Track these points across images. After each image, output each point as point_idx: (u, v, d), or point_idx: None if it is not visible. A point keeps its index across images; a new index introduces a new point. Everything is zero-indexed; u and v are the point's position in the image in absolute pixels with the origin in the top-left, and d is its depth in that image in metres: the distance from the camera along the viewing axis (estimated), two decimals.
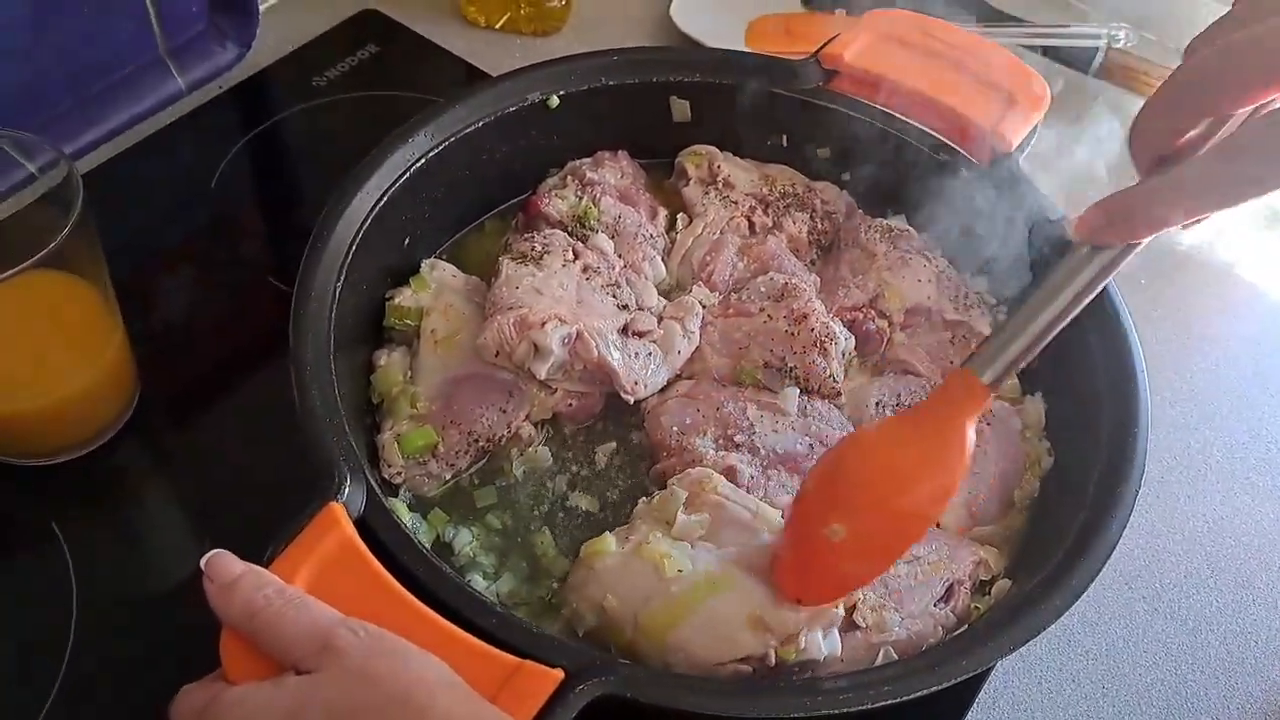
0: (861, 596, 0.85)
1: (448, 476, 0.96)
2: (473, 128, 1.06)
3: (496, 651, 0.68)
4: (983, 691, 0.95)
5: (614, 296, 1.02)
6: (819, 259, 1.14)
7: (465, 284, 1.04)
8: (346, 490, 0.76)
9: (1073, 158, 1.01)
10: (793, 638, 0.80)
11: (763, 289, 1.05)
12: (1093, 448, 0.91)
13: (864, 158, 1.14)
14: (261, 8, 1.33)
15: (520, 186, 1.15)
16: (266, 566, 0.69)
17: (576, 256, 1.03)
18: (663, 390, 1.01)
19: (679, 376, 1.02)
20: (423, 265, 1.05)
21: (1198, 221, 0.70)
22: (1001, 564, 0.93)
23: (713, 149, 1.17)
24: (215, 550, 0.69)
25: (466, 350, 0.98)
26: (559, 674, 0.68)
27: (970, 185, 1.07)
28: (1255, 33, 0.63)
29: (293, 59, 1.41)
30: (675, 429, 0.98)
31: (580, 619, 0.86)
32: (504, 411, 0.97)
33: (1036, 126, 1.08)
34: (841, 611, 0.83)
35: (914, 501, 0.78)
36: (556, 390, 0.98)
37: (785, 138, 1.17)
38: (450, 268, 1.05)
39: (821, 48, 1.13)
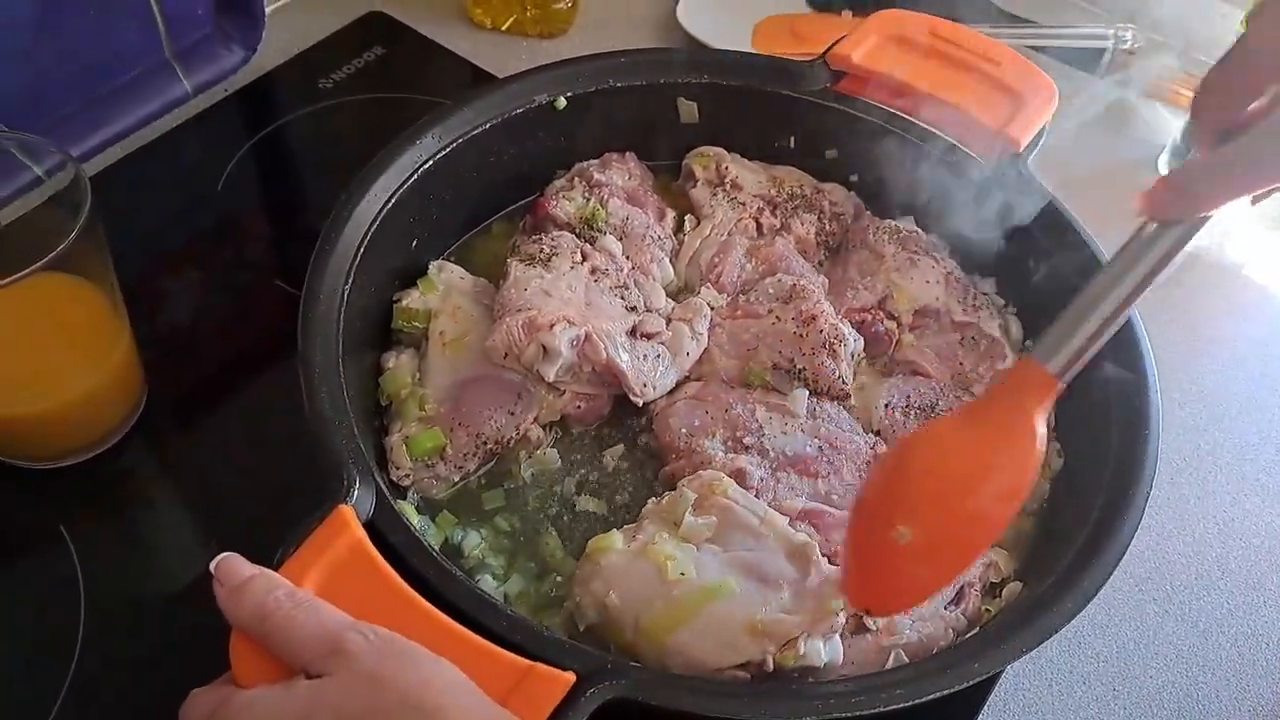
0: None
1: (456, 479, 0.96)
2: (480, 130, 1.06)
3: (507, 654, 0.68)
4: (993, 694, 0.94)
5: (622, 298, 1.02)
6: (827, 260, 1.14)
7: (473, 286, 1.04)
8: (356, 493, 0.76)
9: (1081, 158, 1.01)
10: (792, 644, 0.80)
11: (771, 290, 1.05)
12: (1103, 449, 0.91)
13: (872, 159, 1.14)
14: (267, 10, 1.33)
15: (528, 188, 1.15)
16: (276, 569, 0.69)
17: (584, 258, 1.03)
18: (671, 392, 1.01)
19: (687, 378, 1.02)
20: (430, 267, 1.05)
21: (1268, 194, 0.68)
22: (1011, 566, 0.93)
23: (720, 150, 1.17)
24: (225, 553, 0.69)
25: (475, 352, 0.98)
26: (570, 677, 0.68)
27: (978, 186, 1.07)
28: None
29: (299, 61, 1.41)
30: (684, 431, 0.97)
31: (582, 614, 0.86)
32: (512, 414, 0.97)
33: (1044, 127, 1.08)
34: (842, 620, 0.82)
35: (984, 500, 0.74)
36: (565, 392, 0.98)
37: (793, 139, 1.17)
38: (458, 270, 1.05)
39: (829, 49, 1.13)
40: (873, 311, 1.06)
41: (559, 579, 0.92)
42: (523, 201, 1.15)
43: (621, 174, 1.13)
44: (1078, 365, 0.73)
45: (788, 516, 0.91)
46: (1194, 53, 1.42)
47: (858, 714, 0.73)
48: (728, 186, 1.14)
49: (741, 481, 0.92)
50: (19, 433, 0.97)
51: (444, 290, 1.03)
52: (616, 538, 0.88)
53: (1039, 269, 1.05)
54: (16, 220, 0.95)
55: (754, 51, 1.42)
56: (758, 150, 1.18)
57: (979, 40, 1.12)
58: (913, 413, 1.00)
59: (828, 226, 1.13)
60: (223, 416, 1.07)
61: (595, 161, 1.15)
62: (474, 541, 0.93)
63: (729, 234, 1.11)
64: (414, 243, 1.05)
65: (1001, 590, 0.91)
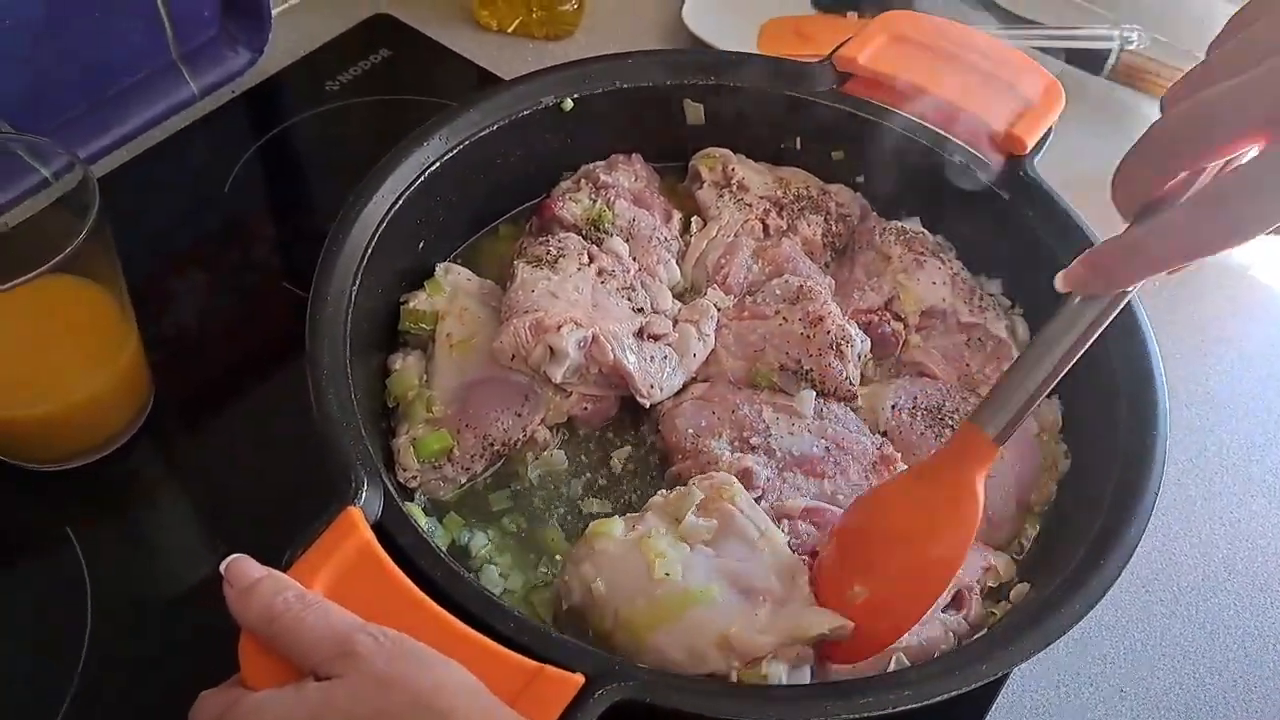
0: None
1: (463, 480, 0.96)
2: (486, 131, 1.06)
3: (516, 656, 0.68)
4: (1001, 695, 0.94)
5: (629, 300, 1.02)
6: (833, 262, 1.14)
7: (480, 288, 1.04)
8: (364, 494, 0.76)
9: (1087, 160, 1.01)
10: (756, 663, 0.80)
11: (778, 291, 1.05)
12: (1110, 450, 0.91)
13: (878, 160, 1.14)
14: (274, 12, 1.33)
15: (534, 190, 1.15)
16: (285, 571, 0.69)
17: (591, 260, 1.03)
18: (678, 393, 1.01)
19: (694, 379, 1.02)
20: (437, 269, 1.05)
21: (1182, 268, 0.71)
22: (1012, 570, 0.92)
23: (726, 152, 1.17)
24: (235, 555, 0.69)
25: (482, 354, 0.98)
26: (579, 679, 0.68)
27: (985, 187, 1.07)
28: (1222, 91, 0.65)
29: (305, 64, 1.41)
30: (690, 431, 0.98)
31: (569, 593, 0.86)
32: (519, 415, 0.97)
33: (1051, 129, 1.08)
34: (810, 651, 0.82)
35: (930, 559, 0.81)
36: (572, 394, 0.98)
37: (799, 140, 1.17)
38: (465, 271, 1.05)
39: (835, 50, 1.13)
40: (879, 313, 1.06)
41: (556, 558, 0.93)
42: (529, 203, 1.15)
43: (628, 175, 1.13)
44: (1015, 429, 0.79)
45: (790, 516, 0.91)
46: (1200, 53, 1.41)
47: (866, 715, 0.72)
48: (734, 188, 1.14)
49: (748, 481, 0.92)
50: (26, 434, 0.97)
51: (451, 292, 1.03)
52: (617, 524, 0.88)
53: (1045, 270, 1.05)
54: (24, 222, 0.95)
55: (760, 53, 1.42)
56: (764, 151, 1.18)
57: (985, 41, 1.12)
58: (919, 414, 1.00)
59: (834, 228, 1.13)
60: (229, 418, 1.07)
61: (601, 163, 1.15)
62: (481, 542, 0.93)
63: (735, 235, 1.11)
64: (421, 244, 1.05)
65: (1009, 591, 0.91)
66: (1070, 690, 0.97)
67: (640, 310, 1.02)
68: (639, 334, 0.99)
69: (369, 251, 0.95)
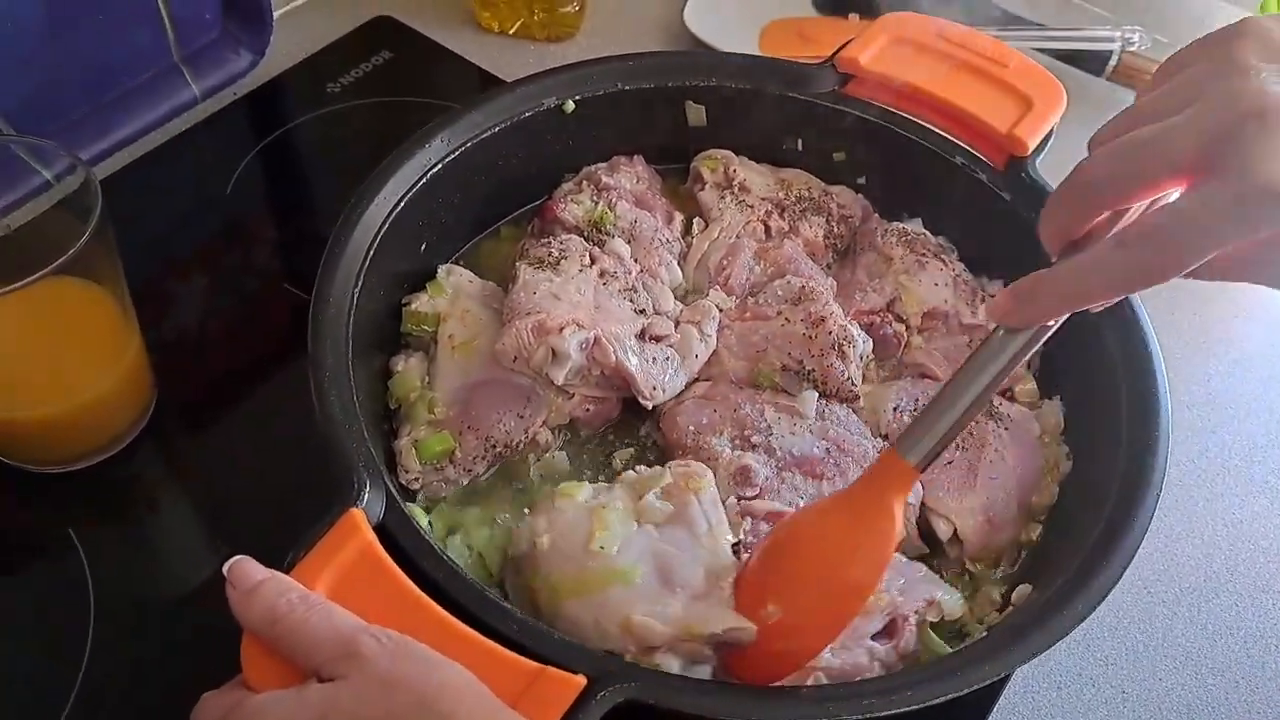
0: None
1: (464, 482, 0.96)
2: (488, 133, 1.06)
3: (518, 657, 0.68)
4: (1003, 696, 0.94)
5: (631, 301, 1.02)
6: (835, 263, 1.14)
7: (482, 289, 1.04)
8: (366, 496, 0.76)
9: None
10: (650, 652, 0.80)
11: (780, 292, 1.05)
12: (1112, 452, 0.91)
13: (880, 161, 1.14)
14: (275, 15, 1.34)
15: (536, 192, 1.15)
16: (287, 572, 0.69)
17: (593, 261, 1.03)
18: (679, 392, 1.01)
19: (696, 379, 1.02)
20: (439, 271, 1.05)
21: (1105, 305, 0.74)
22: (962, 609, 0.90)
23: (728, 153, 1.17)
24: (237, 556, 0.69)
25: (484, 355, 0.98)
26: (581, 680, 0.68)
27: (986, 189, 1.07)
28: (1144, 135, 0.66)
29: (307, 66, 1.41)
30: (691, 428, 0.98)
31: (518, 540, 0.87)
32: (521, 417, 0.97)
33: (1053, 130, 1.08)
34: (709, 652, 0.82)
35: (844, 584, 0.80)
36: (574, 395, 0.98)
37: (801, 142, 1.17)
38: (467, 273, 1.05)
39: (837, 52, 1.13)
40: (881, 314, 1.06)
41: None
42: (531, 205, 1.15)
43: (629, 177, 1.13)
44: (936, 457, 0.79)
45: (754, 516, 0.90)
46: None
47: (869, 716, 0.73)
48: (736, 189, 1.14)
49: (747, 478, 0.92)
50: (29, 436, 0.97)
51: (453, 294, 1.03)
52: (584, 489, 0.88)
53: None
54: (26, 224, 0.95)
55: (761, 54, 1.42)
56: (765, 153, 1.18)
57: (986, 43, 1.12)
58: None
59: (836, 229, 1.14)
60: (231, 420, 1.07)
61: (603, 165, 1.15)
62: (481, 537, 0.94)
63: (737, 236, 1.11)
64: (423, 246, 1.05)
65: (1012, 595, 0.91)
66: (1072, 691, 0.97)
67: (642, 312, 1.02)
68: (641, 335, 0.99)
69: (371, 253, 0.95)
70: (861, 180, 1.17)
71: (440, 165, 1.03)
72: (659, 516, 0.86)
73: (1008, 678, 0.94)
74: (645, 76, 1.13)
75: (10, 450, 1.00)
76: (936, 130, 1.10)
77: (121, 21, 1.19)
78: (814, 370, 1.00)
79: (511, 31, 1.48)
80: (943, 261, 1.09)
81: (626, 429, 1.02)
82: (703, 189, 1.15)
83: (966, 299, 1.07)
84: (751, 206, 1.13)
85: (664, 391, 0.98)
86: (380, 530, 0.75)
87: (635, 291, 1.03)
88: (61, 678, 0.89)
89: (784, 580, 0.82)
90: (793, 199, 1.14)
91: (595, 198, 1.10)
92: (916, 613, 0.87)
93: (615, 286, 1.02)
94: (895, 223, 1.14)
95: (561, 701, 0.67)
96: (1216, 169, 0.63)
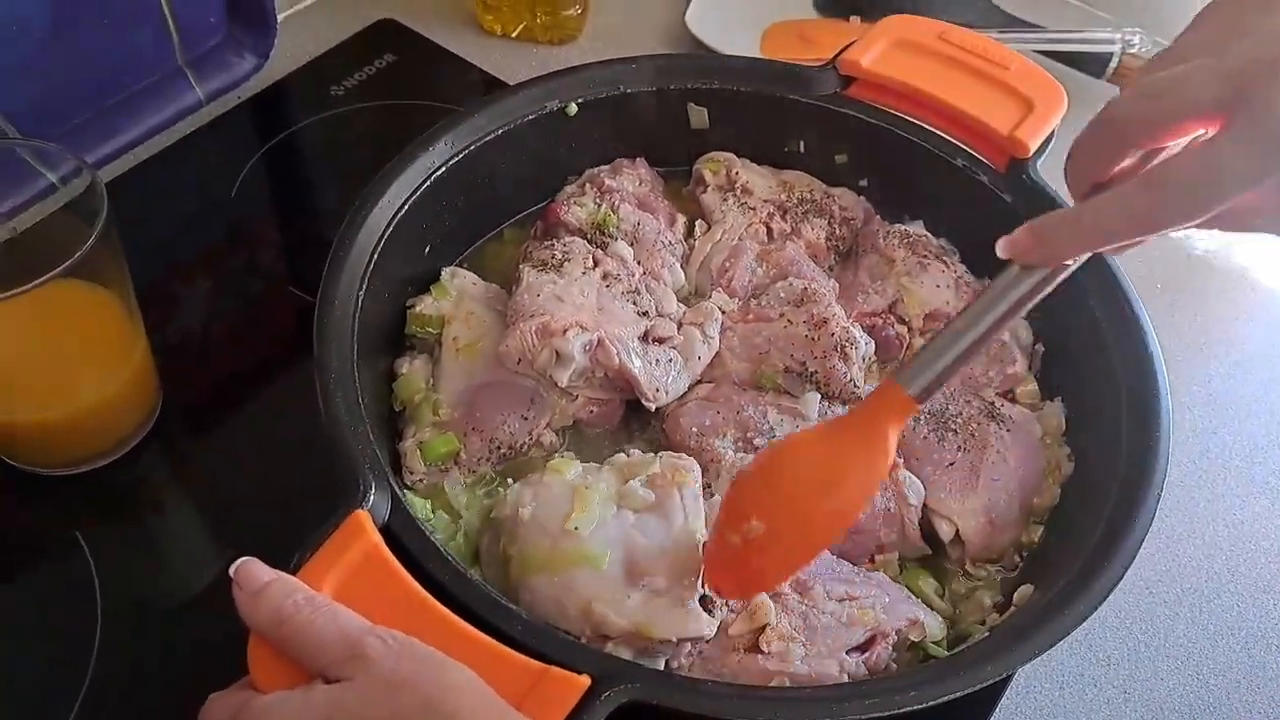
0: (774, 622, 0.84)
1: (468, 483, 0.96)
2: (492, 136, 1.07)
3: (522, 658, 0.68)
4: (1005, 697, 0.95)
5: (634, 303, 1.02)
6: (837, 265, 1.15)
7: (486, 291, 1.05)
8: (371, 498, 0.77)
9: None
10: (604, 640, 0.81)
11: (782, 294, 1.05)
12: (1113, 453, 0.91)
13: (881, 163, 1.15)
14: (279, 18, 1.34)
15: (539, 194, 1.15)
16: (293, 574, 0.69)
17: (596, 264, 1.03)
18: (683, 394, 1.01)
19: (699, 381, 1.03)
20: (443, 273, 1.05)
21: (1124, 248, 0.72)
22: (943, 631, 0.91)
23: (730, 155, 1.17)
24: (244, 558, 0.70)
25: (488, 357, 0.99)
26: (585, 680, 0.68)
27: (987, 190, 1.07)
28: (1175, 74, 0.66)
29: (310, 69, 1.42)
30: (694, 430, 0.98)
31: (502, 504, 0.89)
32: (525, 418, 0.97)
33: (1054, 132, 1.08)
34: (666, 651, 0.83)
35: (830, 505, 0.80)
36: (578, 397, 0.99)
37: (802, 144, 1.18)
38: (471, 275, 1.06)
39: (838, 54, 1.14)
40: (883, 315, 1.07)
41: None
42: (534, 207, 1.16)
43: (632, 180, 1.14)
44: (936, 390, 0.78)
45: (703, 536, 0.89)
46: None
47: (872, 716, 0.73)
48: (738, 191, 1.14)
49: None
50: (35, 438, 0.98)
51: (457, 296, 1.03)
52: (574, 466, 0.90)
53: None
54: (32, 228, 0.95)
55: (763, 57, 1.42)
56: (767, 155, 1.19)
57: (987, 45, 1.12)
58: (923, 418, 1.00)
59: (838, 231, 1.14)
60: (237, 422, 1.07)
61: (606, 167, 1.15)
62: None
63: (739, 239, 1.11)
64: (427, 249, 1.05)
65: (1011, 595, 0.92)
66: (1074, 691, 0.97)
67: (645, 314, 1.02)
68: (644, 337, 1.00)
69: (375, 256, 0.96)
70: (863, 182, 1.18)
71: (444, 168, 1.03)
72: (639, 503, 0.87)
73: (1010, 678, 0.95)
74: (647, 79, 1.13)
75: (17, 452, 1.00)
76: (938, 132, 1.11)
77: (126, 25, 1.20)
78: (816, 372, 1.00)
79: (514, 35, 1.49)
80: (944, 263, 1.09)
81: (630, 430, 1.03)
82: (705, 191, 1.16)
83: (968, 300, 1.07)
84: (754, 209, 1.13)
85: (667, 393, 0.99)
86: (385, 532, 0.75)
87: (638, 294, 1.03)
88: (68, 679, 0.89)
89: (771, 498, 0.81)
90: (795, 201, 1.14)
91: (598, 200, 1.10)
92: (898, 631, 0.88)
93: (618, 289, 1.02)
94: (897, 225, 1.14)
95: (566, 701, 0.67)
96: (1245, 110, 0.63)
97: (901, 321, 1.07)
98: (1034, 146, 1.06)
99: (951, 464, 0.98)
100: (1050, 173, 1.05)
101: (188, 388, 1.08)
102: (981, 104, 1.09)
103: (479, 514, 0.94)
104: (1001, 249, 0.74)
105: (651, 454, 0.92)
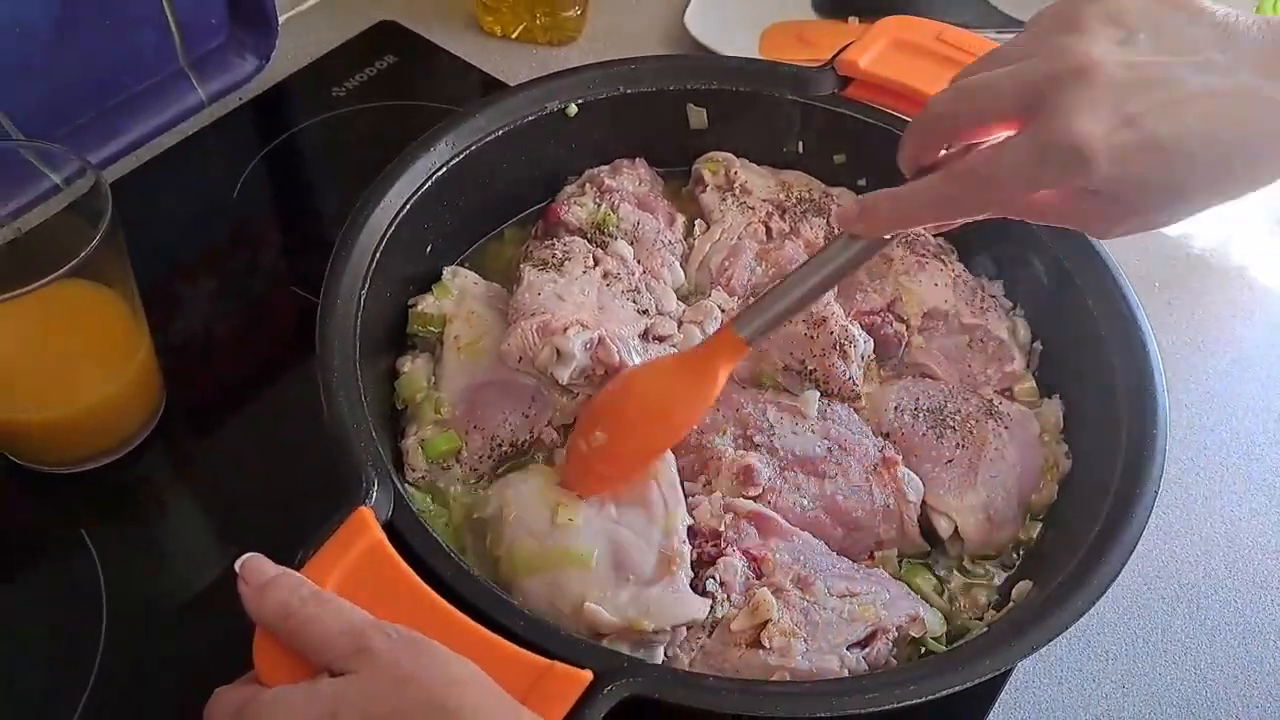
0: (776, 618, 0.85)
1: (470, 481, 0.97)
2: (492, 136, 1.07)
3: (525, 653, 0.68)
4: (1004, 692, 0.95)
5: (634, 302, 1.03)
6: None
7: (487, 291, 1.05)
8: (374, 495, 0.77)
9: None
10: (600, 637, 0.82)
11: None
12: (1111, 451, 0.92)
13: (880, 163, 1.13)
14: (280, 20, 1.35)
15: (539, 194, 1.16)
16: (298, 570, 0.70)
17: (596, 263, 1.04)
18: None
19: None
20: (445, 273, 1.06)
21: (944, 228, 0.81)
22: (942, 628, 0.91)
23: (729, 156, 1.18)
24: (249, 553, 0.70)
25: (489, 356, 0.99)
26: (588, 675, 0.68)
27: None
28: (987, 77, 0.71)
29: (312, 70, 1.42)
30: (694, 428, 0.98)
31: (486, 502, 0.92)
32: (526, 416, 0.98)
33: None
34: (660, 651, 0.84)
35: (665, 423, 0.92)
36: (578, 395, 0.99)
37: (801, 144, 1.18)
38: (472, 275, 1.06)
39: (837, 55, 1.14)
40: (882, 314, 1.07)
41: None
42: (535, 207, 1.16)
43: (632, 180, 1.14)
44: (763, 334, 0.87)
45: (734, 513, 0.92)
46: None
47: (872, 710, 0.74)
48: (737, 191, 1.15)
49: (749, 478, 0.93)
50: (40, 437, 0.99)
51: (458, 295, 1.04)
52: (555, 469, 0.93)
53: (1045, 270, 1.06)
54: (36, 228, 0.96)
55: (762, 57, 1.43)
56: (766, 155, 1.19)
57: (985, 45, 1.12)
58: (921, 415, 1.01)
59: (836, 230, 1.14)
60: (240, 421, 1.08)
61: (606, 167, 1.16)
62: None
63: (738, 238, 1.12)
64: (428, 248, 1.06)
65: (1011, 597, 0.92)
66: (1072, 686, 0.98)
67: (645, 312, 1.03)
68: (644, 336, 1.00)
69: (377, 256, 0.96)
70: (862, 182, 1.18)
71: (445, 169, 1.04)
72: (621, 496, 0.90)
73: (1009, 673, 0.95)
74: (647, 80, 1.14)
75: (21, 451, 1.01)
76: None
77: (128, 26, 1.20)
78: (816, 370, 1.01)
79: (514, 36, 1.49)
80: (942, 262, 1.10)
81: None
82: (704, 191, 1.16)
83: (966, 299, 1.07)
84: (753, 208, 1.13)
85: None
86: (388, 528, 0.76)
87: (638, 292, 1.04)
88: (75, 676, 0.90)
89: (617, 414, 0.92)
90: (793, 201, 1.15)
91: (598, 200, 1.11)
92: (898, 628, 0.88)
93: (618, 287, 1.03)
94: None
95: (568, 696, 0.67)
96: (1033, 118, 0.67)
97: (900, 319, 1.07)
98: None
99: (950, 461, 0.98)
100: None
101: (191, 387, 1.08)
102: None
103: (463, 511, 0.95)
104: (834, 217, 0.82)
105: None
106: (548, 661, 0.68)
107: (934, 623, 0.91)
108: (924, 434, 1.00)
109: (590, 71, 1.13)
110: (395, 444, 0.97)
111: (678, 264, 1.10)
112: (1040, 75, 0.67)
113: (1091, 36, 0.68)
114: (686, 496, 0.92)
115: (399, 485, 0.82)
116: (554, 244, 1.05)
